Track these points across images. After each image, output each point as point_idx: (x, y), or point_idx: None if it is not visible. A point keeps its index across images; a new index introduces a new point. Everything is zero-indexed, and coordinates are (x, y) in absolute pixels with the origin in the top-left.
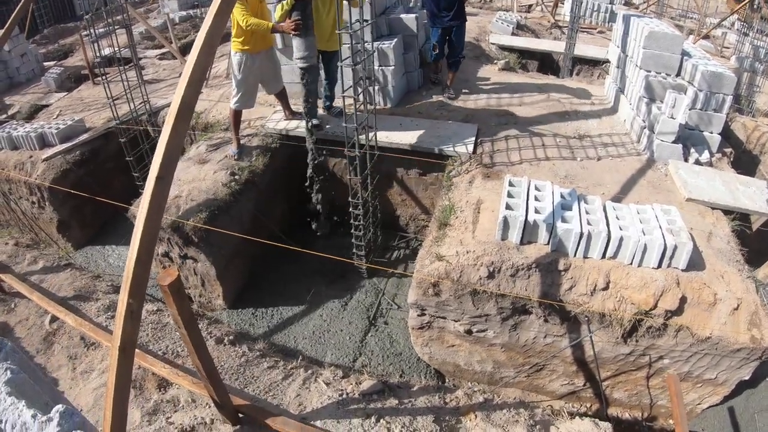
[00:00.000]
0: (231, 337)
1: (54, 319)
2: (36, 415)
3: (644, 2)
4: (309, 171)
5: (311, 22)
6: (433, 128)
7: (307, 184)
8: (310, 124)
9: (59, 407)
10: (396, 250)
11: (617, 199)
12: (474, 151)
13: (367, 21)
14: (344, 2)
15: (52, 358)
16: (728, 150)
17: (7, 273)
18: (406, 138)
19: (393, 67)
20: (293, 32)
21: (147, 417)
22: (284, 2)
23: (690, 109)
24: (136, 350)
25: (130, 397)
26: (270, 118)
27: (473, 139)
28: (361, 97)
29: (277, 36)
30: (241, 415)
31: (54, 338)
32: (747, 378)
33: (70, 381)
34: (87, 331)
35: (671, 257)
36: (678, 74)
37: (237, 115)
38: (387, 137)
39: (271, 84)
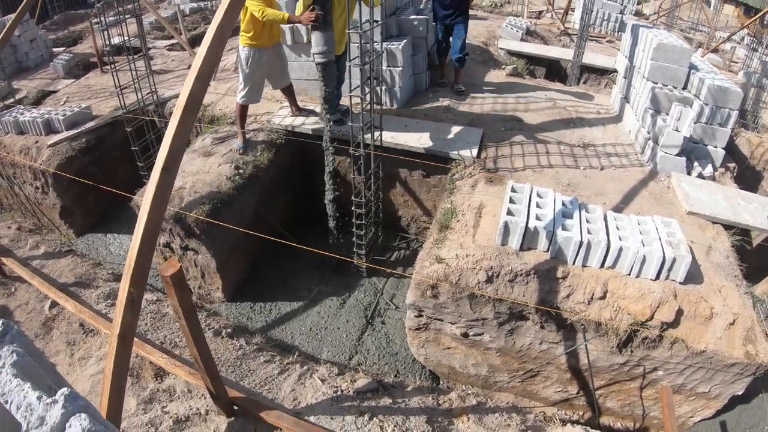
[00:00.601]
0: (229, 330)
1: (54, 304)
2: (41, 397)
3: (654, 13)
4: (328, 170)
5: (330, 17)
6: (438, 131)
7: (329, 183)
8: (330, 120)
9: (64, 390)
10: (396, 250)
11: (618, 209)
12: (478, 156)
13: (377, 21)
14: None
15: (50, 343)
16: (732, 165)
17: (8, 257)
18: (411, 140)
19: (401, 68)
20: (312, 23)
21: (143, 405)
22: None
23: (695, 123)
24: (135, 339)
25: (126, 385)
26: (276, 113)
27: (478, 143)
28: (368, 97)
29: (287, 32)
30: (235, 408)
31: (53, 324)
32: (740, 393)
33: (67, 366)
34: (86, 318)
35: (669, 269)
36: (684, 87)
37: (243, 109)
38: (392, 138)
39: (277, 79)
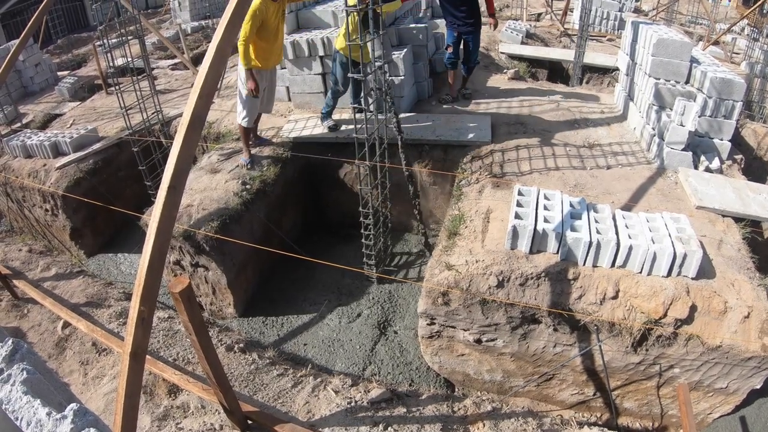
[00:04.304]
0: (241, 345)
1: (66, 324)
2: (51, 413)
3: (653, 9)
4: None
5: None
6: (450, 122)
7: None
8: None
9: (73, 405)
10: (406, 258)
11: (627, 207)
12: (492, 141)
13: (378, 32)
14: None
15: (64, 363)
16: (739, 157)
17: (20, 279)
18: (425, 133)
19: (403, 77)
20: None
21: (157, 422)
22: (350, 17)
23: (699, 117)
24: (147, 356)
25: (140, 403)
26: (290, 119)
27: (489, 129)
28: (372, 107)
29: (288, 47)
30: (249, 422)
31: (66, 344)
32: (759, 387)
33: (81, 386)
34: (99, 337)
35: (681, 265)
36: (687, 81)
37: (247, 130)
38: (407, 133)
39: (266, 103)
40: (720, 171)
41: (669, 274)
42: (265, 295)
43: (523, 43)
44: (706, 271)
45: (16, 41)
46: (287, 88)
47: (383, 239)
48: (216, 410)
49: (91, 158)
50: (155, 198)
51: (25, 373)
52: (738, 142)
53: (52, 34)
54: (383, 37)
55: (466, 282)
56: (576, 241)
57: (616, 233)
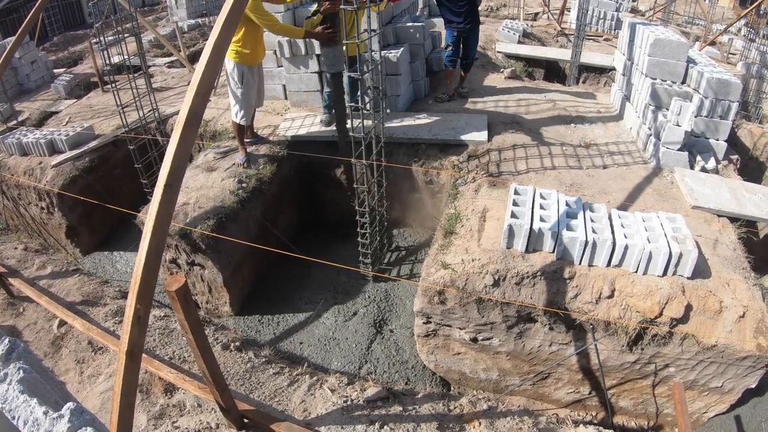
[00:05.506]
0: (237, 344)
1: (62, 323)
2: (47, 412)
3: (650, 9)
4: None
5: (339, 32)
6: (446, 121)
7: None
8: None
9: (70, 405)
10: (401, 257)
11: (623, 207)
12: (489, 140)
13: (374, 30)
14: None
15: (59, 361)
16: (734, 157)
17: (16, 277)
18: (421, 132)
19: (400, 76)
20: (329, 39)
21: (153, 421)
22: (314, 18)
23: (696, 117)
24: (143, 355)
25: (136, 401)
26: (286, 117)
27: (486, 128)
28: (368, 106)
29: (285, 45)
30: (246, 420)
31: (62, 342)
32: (753, 386)
33: (77, 384)
34: (95, 336)
35: (676, 265)
36: (684, 81)
37: (241, 127)
38: (404, 133)
39: (259, 99)
40: (716, 171)
41: (665, 273)
42: (261, 293)
43: (519, 42)
44: (701, 270)
45: (12, 38)
46: (284, 86)
47: (379, 238)
48: (212, 409)
49: (87, 156)
50: (151, 196)
51: (21, 372)
52: (734, 142)
53: (48, 32)
54: (338, 44)
55: (462, 281)
56: (572, 240)
57: (612, 233)
